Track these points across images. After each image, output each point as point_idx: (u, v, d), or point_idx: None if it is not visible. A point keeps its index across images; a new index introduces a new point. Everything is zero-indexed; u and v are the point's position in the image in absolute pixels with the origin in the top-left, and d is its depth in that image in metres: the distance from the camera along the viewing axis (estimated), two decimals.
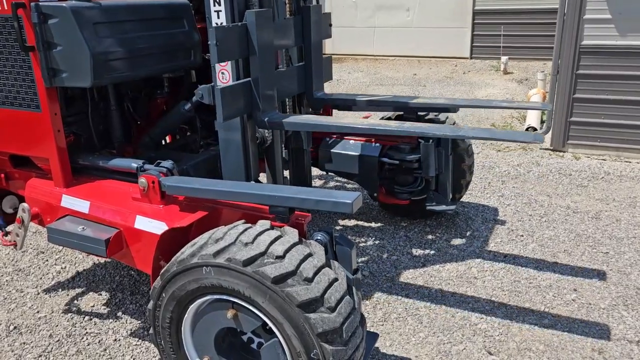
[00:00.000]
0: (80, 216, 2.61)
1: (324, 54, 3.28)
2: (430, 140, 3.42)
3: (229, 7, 2.42)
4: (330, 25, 3.28)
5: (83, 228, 2.51)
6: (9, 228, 3.00)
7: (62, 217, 2.66)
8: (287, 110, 3.19)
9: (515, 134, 2.63)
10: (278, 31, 2.72)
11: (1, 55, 2.61)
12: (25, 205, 2.79)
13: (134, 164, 2.63)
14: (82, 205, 2.61)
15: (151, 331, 2.22)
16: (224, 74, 2.51)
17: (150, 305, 2.16)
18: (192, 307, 2.11)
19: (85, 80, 2.48)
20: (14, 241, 2.90)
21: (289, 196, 2.12)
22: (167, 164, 2.54)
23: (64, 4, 2.42)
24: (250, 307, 1.96)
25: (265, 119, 2.57)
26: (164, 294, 2.10)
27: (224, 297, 2.00)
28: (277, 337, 1.95)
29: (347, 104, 3.38)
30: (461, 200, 4.17)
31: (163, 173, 2.49)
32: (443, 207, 3.58)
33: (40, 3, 2.42)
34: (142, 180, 2.49)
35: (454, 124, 3.65)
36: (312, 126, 2.73)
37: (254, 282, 1.87)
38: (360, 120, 2.67)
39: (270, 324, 1.94)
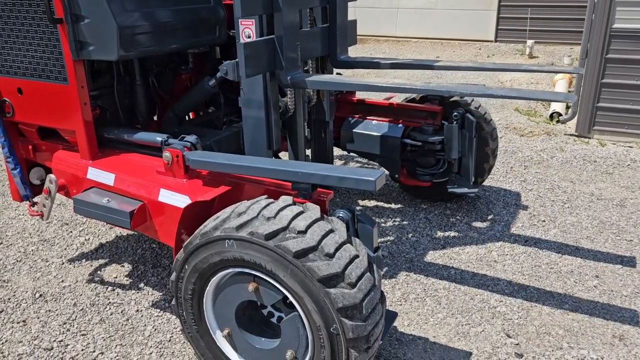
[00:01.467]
0: (105, 188, 2.65)
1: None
2: (455, 122, 3.38)
3: None
4: None
5: (108, 200, 2.55)
6: (36, 199, 3.06)
7: (87, 189, 2.70)
8: (310, 72, 3.16)
9: (545, 93, 2.53)
10: None
11: (30, 27, 2.63)
12: (52, 176, 2.84)
13: (159, 137, 2.65)
14: (107, 178, 2.65)
15: (173, 302, 2.26)
16: (248, 32, 2.49)
17: (173, 277, 2.20)
18: (214, 280, 2.13)
19: (111, 53, 2.49)
20: (41, 212, 2.96)
21: (311, 172, 2.12)
22: (191, 138, 2.56)
23: None
24: (272, 281, 1.98)
25: (288, 78, 2.55)
26: (186, 266, 2.13)
27: (246, 270, 2.02)
28: (297, 311, 1.97)
29: (372, 66, 3.34)
30: (483, 184, 4.13)
31: (187, 147, 2.51)
32: (465, 190, 3.55)
33: None
34: (166, 154, 2.51)
35: (479, 107, 3.59)
36: (335, 85, 2.70)
37: (276, 256, 1.88)
38: (385, 79, 2.62)
39: (291, 298, 1.95)
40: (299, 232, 1.90)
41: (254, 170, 2.29)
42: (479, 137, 3.58)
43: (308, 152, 3.39)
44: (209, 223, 2.07)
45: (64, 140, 2.96)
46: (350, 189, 4.12)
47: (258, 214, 1.97)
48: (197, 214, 2.36)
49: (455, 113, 3.39)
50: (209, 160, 2.42)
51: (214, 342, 2.26)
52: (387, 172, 3.83)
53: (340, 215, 2.13)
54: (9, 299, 2.97)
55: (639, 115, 5.11)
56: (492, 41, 10.92)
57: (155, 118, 3.34)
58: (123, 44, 2.47)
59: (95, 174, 2.71)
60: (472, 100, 3.59)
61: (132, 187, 2.57)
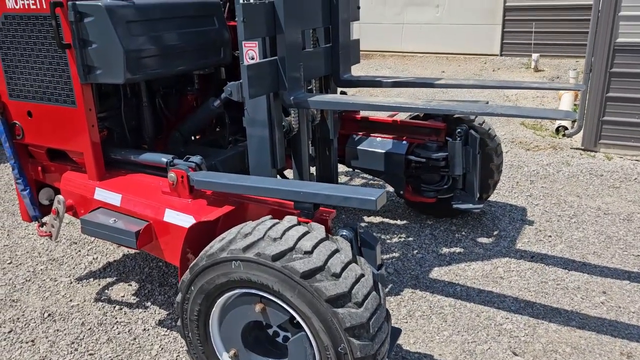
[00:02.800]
0: (112, 208, 2.69)
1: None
2: (458, 139, 3.40)
3: None
4: (359, 7, 3.27)
5: (115, 220, 2.59)
6: (45, 219, 3.11)
7: (95, 209, 2.74)
8: (314, 92, 3.20)
9: (546, 111, 2.57)
10: (305, 10, 2.73)
11: (39, 52, 2.70)
12: (60, 197, 2.89)
13: (164, 158, 2.69)
14: (114, 198, 2.69)
15: (179, 323, 2.28)
16: (251, 53, 2.54)
17: (179, 298, 2.22)
18: (220, 301, 2.15)
19: (118, 77, 2.55)
20: (50, 232, 3.00)
21: (314, 192, 2.14)
22: (196, 159, 2.59)
23: (99, 3, 2.49)
24: (279, 301, 1.99)
25: (291, 98, 2.59)
26: (192, 287, 2.15)
27: (252, 291, 2.04)
28: (304, 331, 1.98)
29: (375, 84, 3.37)
30: (488, 199, 4.13)
31: (192, 168, 2.55)
32: (469, 206, 3.55)
33: (77, 2, 2.50)
34: (171, 174, 2.55)
35: (483, 122, 3.61)
36: (338, 104, 2.73)
37: (283, 277, 1.90)
38: (387, 98, 2.65)
39: (298, 318, 1.96)
40: (305, 253, 1.92)
41: (257, 190, 2.32)
42: (484, 153, 3.59)
43: (312, 170, 3.42)
44: (215, 244, 2.09)
45: (72, 162, 3.01)
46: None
47: (264, 235, 2.00)
48: (201, 233, 2.39)
49: (459, 130, 3.40)
50: (213, 180, 2.46)
51: None
52: (391, 188, 3.84)
53: (344, 233, 2.15)
54: (17, 318, 3.00)
55: None
56: (497, 55, 10.95)
57: (161, 138, 3.38)
58: (130, 67, 2.53)
59: (102, 194, 2.75)
60: (476, 116, 3.61)
61: (138, 207, 2.61)
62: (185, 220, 2.43)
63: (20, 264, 3.59)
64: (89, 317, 3.00)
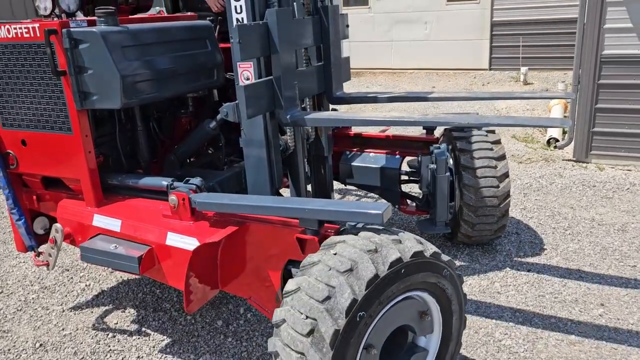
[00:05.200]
0: (112, 234, 2.66)
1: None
2: (432, 155, 3.23)
3: (249, 6, 2.47)
4: (347, 26, 3.31)
5: (116, 246, 2.56)
6: (41, 248, 3.06)
7: (94, 236, 2.71)
8: (308, 110, 3.20)
9: (540, 119, 2.57)
10: (298, 30, 2.76)
11: (33, 80, 2.69)
12: (58, 225, 2.84)
13: (164, 182, 2.68)
14: (113, 224, 2.66)
15: None
16: (246, 74, 2.54)
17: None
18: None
19: (115, 102, 2.54)
20: (47, 261, 2.96)
21: (319, 209, 2.15)
22: (196, 181, 2.59)
23: (94, 29, 2.49)
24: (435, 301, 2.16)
25: (288, 117, 2.59)
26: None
27: (417, 293, 2.10)
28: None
29: (367, 100, 3.37)
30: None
31: (193, 190, 2.54)
32: (431, 229, 3.27)
33: (71, 29, 2.50)
34: (172, 197, 2.54)
35: (471, 141, 3.56)
36: (334, 121, 2.74)
37: (448, 272, 2.11)
38: (383, 113, 2.64)
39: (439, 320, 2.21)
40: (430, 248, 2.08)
41: (261, 210, 2.32)
42: (459, 176, 3.38)
43: (308, 187, 3.41)
44: (391, 254, 1.93)
45: (68, 189, 2.98)
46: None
47: (391, 241, 1.99)
48: (205, 255, 2.37)
49: (433, 147, 3.24)
50: (216, 201, 2.45)
51: None
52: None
53: None
54: (9, 349, 2.94)
55: (635, 138, 5.14)
56: (486, 69, 11.06)
57: (156, 162, 3.37)
58: (126, 92, 2.53)
59: (101, 220, 2.73)
60: (463, 138, 3.46)
61: (139, 232, 2.59)
62: (189, 243, 2.41)
63: (12, 293, 3.53)
64: (81, 346, 2.95)
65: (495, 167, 3.34)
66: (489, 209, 3.34)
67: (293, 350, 1.83)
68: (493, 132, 3.53)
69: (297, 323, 1.83)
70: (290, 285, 1.97)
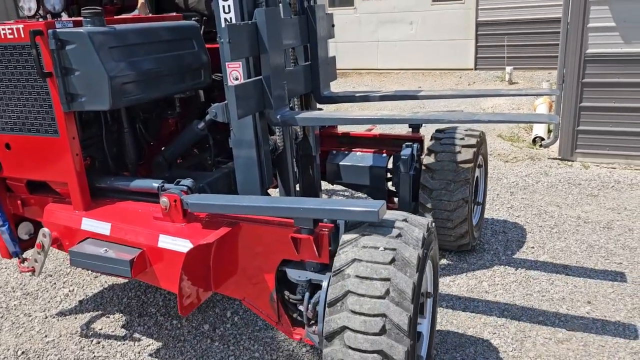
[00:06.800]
0: (101, 238, 2.60)
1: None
2: (404, 152, 3.29)
3: (237, 6, 2.44)
4: (333, 26, 3.29)
5: (106, 250, 2.50)
6: (27, 254, 2.99)
7: (82, 240, 2.65)
8: (296, 109, 3.19)
9: (530, 115, 2.57)
10: (286, 30, 2.74)
11: (18, 82, 2.63)
12: (45, 230, 2.77)
13: (155, 183, 2.63)
14: (103, 227, 2.60)
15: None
16: (235, 74, 2.51)
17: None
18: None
19: (103, 103, 2.49)
20: (32, 267, 2.88)
21: (314, 208, 2.13)
22: (188, 182, 2.55)
23: (81, 30, 2.44)
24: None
25: (278, 116, 2.57)
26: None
27: None
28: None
29: (354, 100, 3.36)
30: None
31: (184, 191, 2.50)
32: None
33: (57, 30, 2.45)
34: (163, 199, 2.49)
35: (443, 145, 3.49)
36: (325, 120, 2.72)
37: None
38: (373, 111, 2.64)
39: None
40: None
41: (255, 210, 2.29)
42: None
43: (296, 187, 3.38)
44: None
45: (54, 193, 2.91)
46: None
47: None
48: (197, 257, 2.33)
49: (404, 145, 3.32)
50: (209, 202, 2.42)
51: None
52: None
53: None
54: None
55: (619, 136, 5.18)
56: (472, 69, 11.13)
57: (144, 163, 3.32)
58: (114, 93, 2.48)
59: (90, 224, 2.66)
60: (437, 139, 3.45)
61: (130, 235, 2.53)
62: (182, 245, 2.37)
63: None
64: (65, 352, 2.89)
65: (455, 171, 3.28)
66: (445, 213, 3.31)
67: (376, 279, 1.94)
68: (478, 136, 3.48)
69: (377, 255, 1.98)
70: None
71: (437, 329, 2.88)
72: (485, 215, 4.23)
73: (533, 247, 3.71)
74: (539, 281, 3.29)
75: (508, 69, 9.67)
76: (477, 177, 3.62)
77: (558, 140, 5.56)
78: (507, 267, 3.48)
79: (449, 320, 2.96)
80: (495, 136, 6.50)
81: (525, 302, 3.09)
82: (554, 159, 5.52)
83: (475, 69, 11.10)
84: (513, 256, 3.61)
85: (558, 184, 4.82)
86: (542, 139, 5.99)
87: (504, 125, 6.91)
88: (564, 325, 2.86)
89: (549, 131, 6.12)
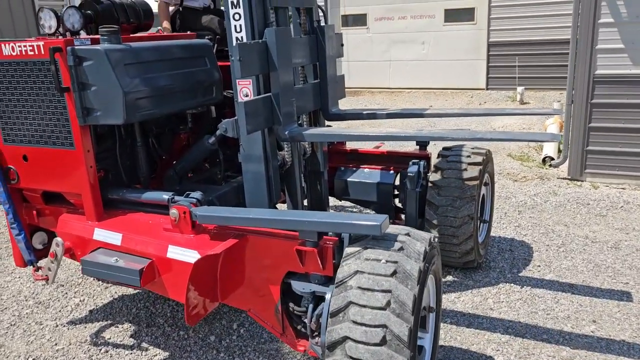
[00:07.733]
0: (112, 248, 2.68)
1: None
2: (411, 169, 3.33)
3: (249, 26, 2.53)
4: (342, 45, 3.38)
5: (117, 259, 2.58)
6: (41, 263, 3.08)
7: (94, 249, 2.73)
8: (305, 126, 3.25)
9: (534, 134, 2.61)
10: (295, 49, 2.83)
11: (37, 97, 2.74)
12: (59, 239, 2.86)
13: (165, 195, 2.72)
14: (114, 238, 2.69)
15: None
16: (245, 91, 2.60)
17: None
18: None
19: (117, 118, 2.59)
20: (46, 275, 2.97)
21: (319, 221, 2.19)
22: (197, 194, 2.63)
23: (99, 47, 2.55)
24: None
25: (286, 132, 2.64)
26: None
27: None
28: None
29: (362, 117, 3.42)
30: None
31: (194, 203, 2.58)
32: None
33: (76, 47, 2.56)
34: (173, 211, 2.57)
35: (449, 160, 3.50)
36: (332, 136, 2.79)
37: None
38: (379, 128, 2.70)
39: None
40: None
41: (262, 222, 2.36)
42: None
43: (304, 202, 3.44)
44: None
45: (68, 204, 3.00)
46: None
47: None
48: (205, 268, 2.39)
49: (411, 162, 3.35)
50: (217, 214, 2.49)
51: None
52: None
53: None
54: None
55: (628, 157, 5.18)
56: (483, 89, 11.18)
57: (155, 177, 3.41)
58: (129, 108, 2.58)
59: (102, 234, 2.75)
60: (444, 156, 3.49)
61: (140, 245, 2.61)
62: (190, 256, 2.44)
63: (6, 308, 3.53)
64: None
65: (461, 188, 3.30)
66: (451, 229, 3.32)
67: (377, 290, 1.98)
68: (485, 154, 3.51)
69: (379, 268, 2.03)
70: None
71: (441, 344, 2.89)
72: (492, 234, 4.24)
73: (539, 266, 3.71)
74: (544, 299, 3.29)
75: (519, 89, 9.71)
76: (483, 194, 3.66)
77: (567, 160, 5.57)
78: (512, 284, 3.48)
79: (453, 336, 2.97)
80: (505, 155, 6.52)
81: (530, 320, 3.09)
82: (563, 178, 5.52)
83: (487, 89, 11.15)
84: (519, 274, 3.61)
85: (567, 204, 4.82)
86: (552, 159, 6.00)
87: (514, 144, 6.93)
88: (568, 344, 2.86)
89: (559, 151, 6.13)
